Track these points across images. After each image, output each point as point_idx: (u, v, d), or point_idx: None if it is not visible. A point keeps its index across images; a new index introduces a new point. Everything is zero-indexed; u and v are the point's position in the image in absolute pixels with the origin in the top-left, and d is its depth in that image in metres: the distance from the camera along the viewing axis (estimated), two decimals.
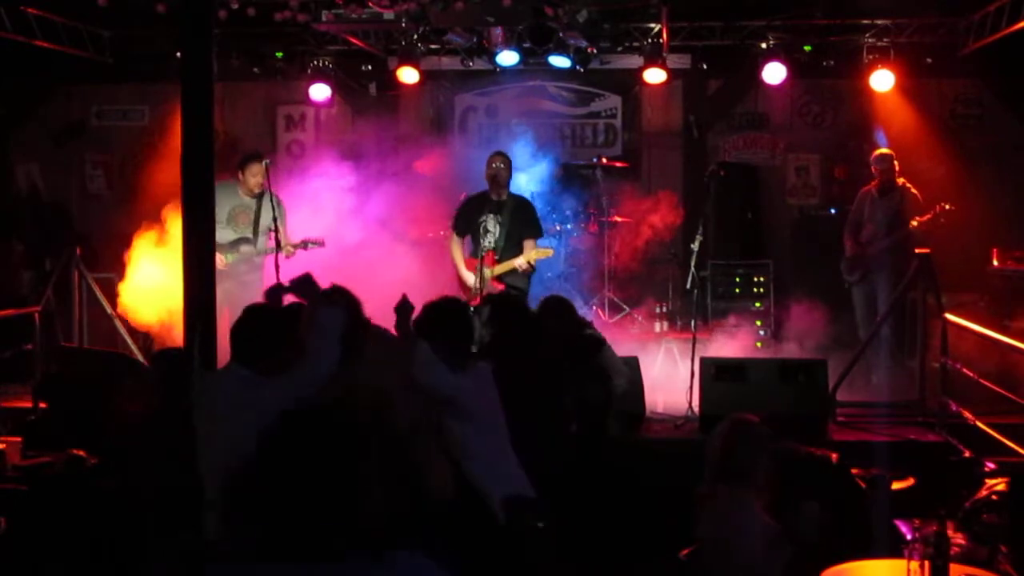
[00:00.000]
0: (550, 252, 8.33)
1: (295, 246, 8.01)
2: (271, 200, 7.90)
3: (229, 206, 8.04)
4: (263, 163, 8.04)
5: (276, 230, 7.82)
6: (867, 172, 9.48)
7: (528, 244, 8.21)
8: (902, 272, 8.30)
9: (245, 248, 8.17)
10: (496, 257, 8.19)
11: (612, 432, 6.56)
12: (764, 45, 10.09)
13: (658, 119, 11.30)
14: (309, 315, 4.47)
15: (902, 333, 8.64)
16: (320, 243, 8.07)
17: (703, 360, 7.55)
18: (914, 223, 8.79)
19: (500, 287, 8.12)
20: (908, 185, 9.06)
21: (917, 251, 7.90)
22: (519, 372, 5.74)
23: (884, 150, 9.22)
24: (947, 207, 8.71)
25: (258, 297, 7.66)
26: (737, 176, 10.52)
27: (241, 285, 7.93)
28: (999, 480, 5.25)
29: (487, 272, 8.14)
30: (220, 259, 7.53)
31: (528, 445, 5.44)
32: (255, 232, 8.20)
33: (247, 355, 4.43)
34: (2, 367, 7.78)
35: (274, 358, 4.39)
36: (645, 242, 10.22)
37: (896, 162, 9.09)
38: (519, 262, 8.10)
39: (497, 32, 9.57)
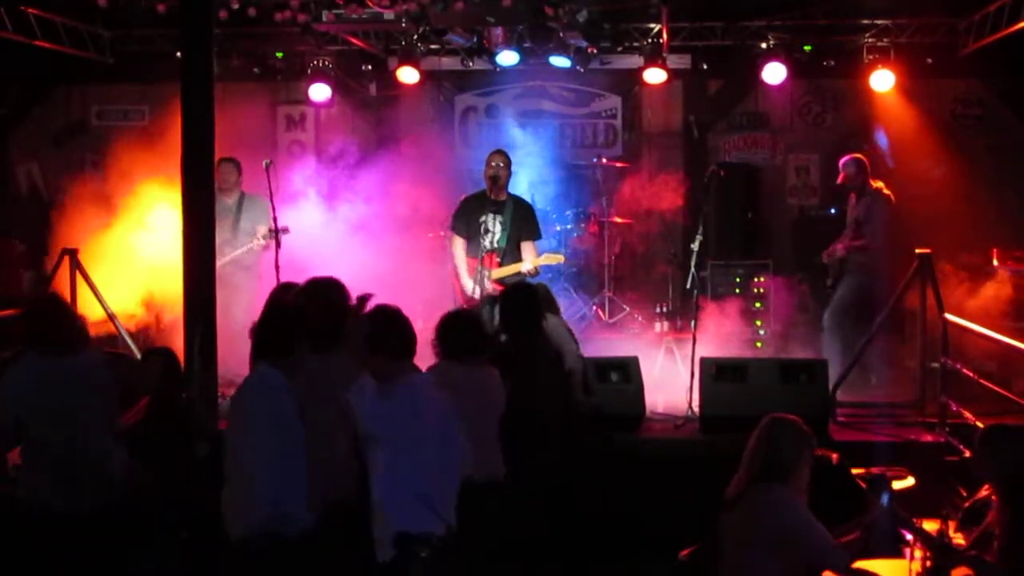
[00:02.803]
0: (561, 258, 8.16)
1: (264, 237, 8.22)
2: (253, 201, 8.15)
3: None
4: (232, 163, 8.29)
5: (276, 230, 7.81)
6: None
7: (528, 247, 7.99)
8: (860, 276, 8.53)
9: (228, 251, 8.30)
10: (498, 259, 7.95)
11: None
12: (764, 45, 10.10)
13: (658, 119, 11.30)
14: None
15: (901, 333, 8.64)
16: (285, 231, 7.93)
17: (703, 360, 7.53)
18: (840, 248, 8.77)
19: (501, 289, 7.98)
20: (880, 188, 8.76)
21: (918, 251, 7.87)
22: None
23: (855, 154, 8.94)
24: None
25: (250, 298, 7.69)
26: (737, 176, 10.50)
27: (232, 289, 7.94)
28: None
29: (487, 273, 7.90)
30: None
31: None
32: (235, 234, 8.37)
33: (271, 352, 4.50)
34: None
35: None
36: (645, 242, 10.21)
37: (868, 167, 8.80)
38: (527, 267, 7.84)
39: (497, 32, 9.55)
